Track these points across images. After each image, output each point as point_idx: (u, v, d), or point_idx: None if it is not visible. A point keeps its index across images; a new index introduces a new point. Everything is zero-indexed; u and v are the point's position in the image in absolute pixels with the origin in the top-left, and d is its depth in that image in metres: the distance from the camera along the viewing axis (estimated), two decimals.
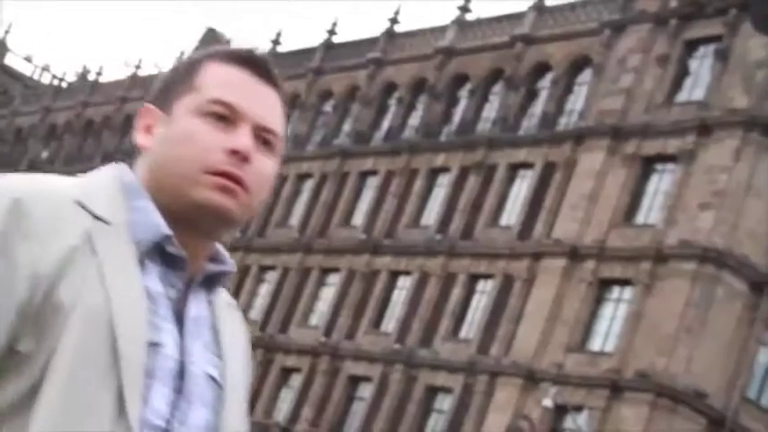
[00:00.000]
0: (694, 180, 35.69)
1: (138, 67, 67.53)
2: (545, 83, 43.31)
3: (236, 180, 1.65)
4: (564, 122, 41.39)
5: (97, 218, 1.61)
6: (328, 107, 52.43)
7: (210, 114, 1.67)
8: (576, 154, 39.62)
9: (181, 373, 1.62)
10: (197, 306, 1.69)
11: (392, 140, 47.53)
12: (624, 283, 36.04)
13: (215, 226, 1.68)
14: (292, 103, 54.65)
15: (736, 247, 34.25)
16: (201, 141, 1.66)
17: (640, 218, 37.08)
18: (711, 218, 34.60)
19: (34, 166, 68.86)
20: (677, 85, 38.30)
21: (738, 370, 33.79)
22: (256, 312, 48.52)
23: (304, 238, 48.60)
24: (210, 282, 1.72)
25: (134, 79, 66.76)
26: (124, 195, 1.66)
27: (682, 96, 38.01)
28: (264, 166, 1.69)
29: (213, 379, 1.67)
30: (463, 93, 46.30)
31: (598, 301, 36.53)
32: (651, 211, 36.77)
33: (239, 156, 1.65)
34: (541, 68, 43.54)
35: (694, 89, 37.78)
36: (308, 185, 50.55)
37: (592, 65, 41.41)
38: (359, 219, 47.21)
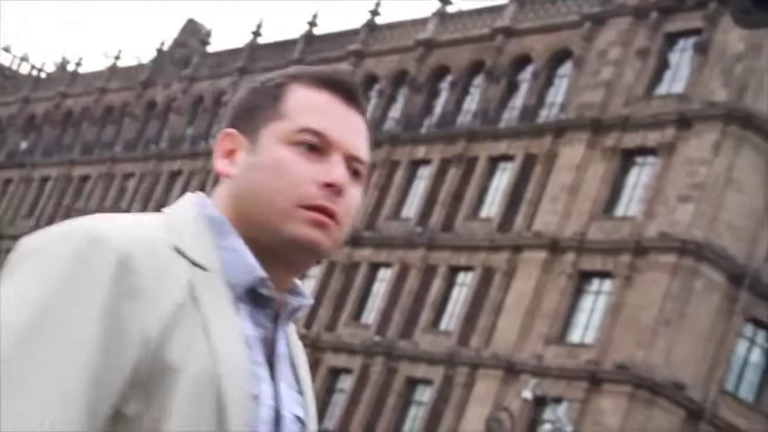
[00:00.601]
0: (674, 173, 35.84)
1: (117, 57, 67.25)
2: (525, 75, 43.38)
3: (331, 214, 1.58)
4: (544, 115, 41.48)
5: (195, 264, 1.52)
6: None
7: (301, 144, 1.58)
8: (556, 147, 39.72)
9: (276, 420, 1.54)
10: (281, 343, 1.61)
11: (373, 132, 47.42)
12: (604, 275, 36.17)
13: (306, 261, 1.60)
14: None
15: (716, 240, 34.42)
16: (294, 173, 1.57)
17: (620, 210, 37.21)
18: (691, 210, 34.76)
19: (13, 157, 68.54)
20: (657, 78, 38.43)
21: (717, 362, 33.98)
22: None
23: None
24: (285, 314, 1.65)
25: (113, 70, 66.47)
26: (212, 233, 1.56)
27: (661, 89, 38.15)
28: (354, 198, 1.62)
29: (299, 419, 1.60)
30: (444, 85, 46.32)
31: (578, 293, 36.66)
32: (631, 203, 36.91)
33: (334, 189, 1.58)
34: (522, 61, 43.61)
35: (674, 82, 37.91)
36: None
37: (572, 58, 41.49)
38: None
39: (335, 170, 1.58)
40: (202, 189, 55.36)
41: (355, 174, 1.62)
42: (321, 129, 1.59)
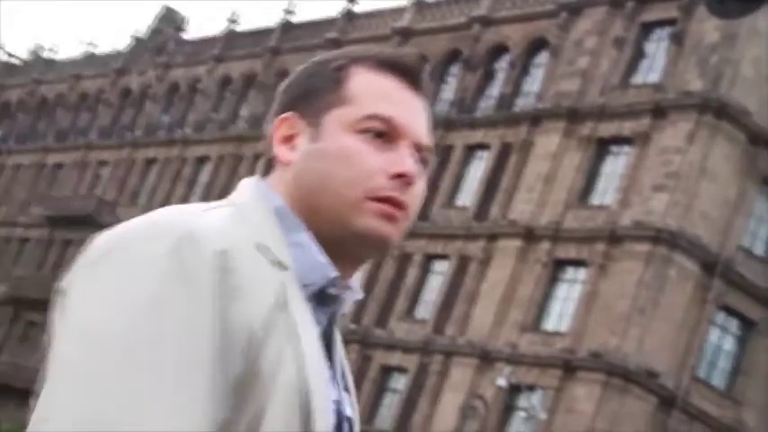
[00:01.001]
0: (649, 162, 35.99)
1: (92, 44, 66.87)
2: (502, 64, 43.43)
3: (401, 206, 1.50)
4: (521, 104, 41.55)
5: (275, 263, 1.43)
6: None
7: (368, 131, 1.50)
8: (532, 135, 39.80)
9: (339, 423, 1.48)
10: (338, 343, 1.56)
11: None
12: (578, 263, 36.31)
13: (372, 254, 1.53)
14: (249, 83, 54.40)
15: (689, 229, 34.61)
16: (363, 163, 1.49)
17: (595, 199, 37.35)
18: (665, 199, 34.92)
19: None
20: (633, 67, 38.55)
21: (689, 350, 34.20)
22: None
23: None
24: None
25: (88, 57, 66.08)
26: (281, 227, 1.48)
27: (637, 79, 38.28)
28: (422, 187, 1.54)
29: (349, 420, 1.54)
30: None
31: (553, 281, 36.79)
32: (606, 192, 37.04)
33: (405, 180, 1.50)
34: (498, 50, 43.65)
35: (650, 72, 38.05)
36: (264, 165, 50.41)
37: (548, 47, 41.57)
38: None
39: (406, 160, 1.50)
40: (178, 177, 55.19)
41: (422, 162, 1.55)
42: (389, 116, 1.51)
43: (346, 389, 1.54)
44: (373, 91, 1.52)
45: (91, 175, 60.66)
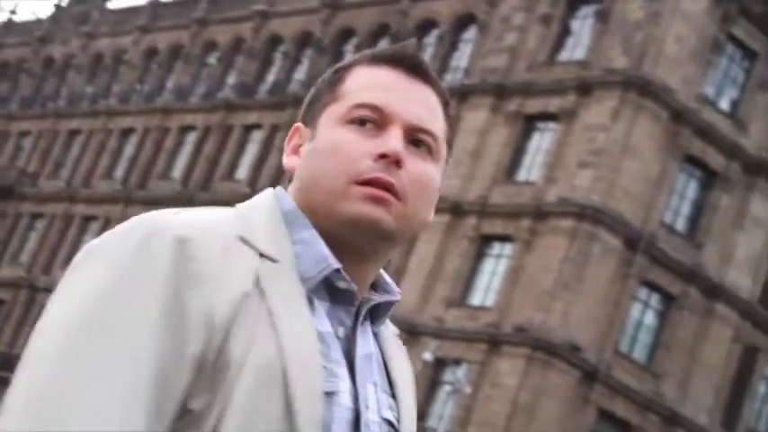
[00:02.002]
0: (574, 138, 36.38)
1: (13, 12, 65.36)
2: (431, 39, 43.49)
3: (387, 187, 1.48)
4: (449, 79, 41.65)
5: (263, 255, 1.44)
6: (212, 59, 51.73)
7: (356, 120, 1.50)
8: (460, 111, 39.94)
9: (356, 422, 1.45)
10: (365, 342, 1.52)
11: (277, 94, 47.20)
12: (505, 239, 36.66)
13: (370, 242, 1.49)
14: (175, 55, 53.74)
15: (613, 205, 35.12)
16: (348, 151, 1.48)
17: (521, 175, 37.68)
18: (589, 176, 35.36)
19: None
20: (559, 44, 38.86)
21: (612, 324, 34.80)
22: None
23: (187, 192, 48.07)
24: (376, 313, 1.55)
25: (9, 25, 64.62)
26: (287, 226, 1.49)
27: (563, 56, 38.60)
28: (422, 171, 1.51)
29: (389, 423, 1.51)
30: (349, 47, 46.16)
31: (479, 256, 37.11)
32: (532, 168, 37.39)
33: (390, 160, 1.48)
34: (427, 25, 43.69)
35: (575, 49, 38.40)
36: (191, 138, 49.93)
37: (477, 22, 41.71)
38: (243, 173, 46.88)
39: (390, 140, 1.49)
40: (102, 149, 54.41)
41: (422, 146, 1.52)
42: (377, 102, 1.51)
43: (394, 395, 1.53)
44: (365, 83, 1.53)
45: (12, 146, 59.54)
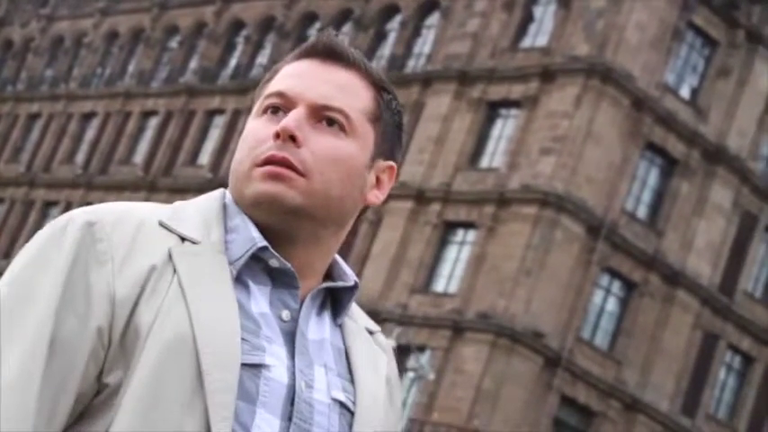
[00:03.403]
0: (536, 125, 36.53)
1: None
2: (394, 25, 43.43)
3: (281, 162, 1.52)
4: (412, 65, 41.66)
5: (184, 239, 1.51)
6: (174, 43, 51.33)
7: (268, 109, 1.57)
8: (423, 97, 39.98)
9: (291, 398, 1.49)
10: (319, 329, 1.56)
11: (240, 79, 46.97)
12: (468, 225, 36.80)
13: (280, 219, 1.53)
14: (137, 38, 53.29)
15: (575, 192, 35.33)
16: (253, 137, 1.55)
17: (485, 162, 37.80)
18: (552, 163, 35.53)
19: None
20: (522, 31, 38.94)
21: (574, 311, 35.08)
22: None
23: (149, 177, 47.79)
24: (336, 303, 1.60)
25: None
26: (225, 217, 1.56)
27: (526, 42, 38.69)
28: (326, 145, 1.53)
29: (342, 405, 1.54)
30: (311, 32, 45.98)
31: (442, 243, 37.23)
32: (495, 155, 37.51)
33: (282, 137, 1.52)
34: (390, 10, 43.61)
35: (538, 36, 38.50)
36: (153, 123, 49.57)
37: (440, 8, 41.69)
38: (205, 158, 46.65)
39: (283, 120, 1.54)
40: (63, 133, 53.89)
41: (334, 124, 1.55)
42: (282, 88, 1.56)
43: (352, 381, 1.56)
44: (282, 75, 1.58)
45: None
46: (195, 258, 1.49)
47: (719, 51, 38.50)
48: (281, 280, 1.53)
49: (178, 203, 1.58)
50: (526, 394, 33.99)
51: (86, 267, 1.46)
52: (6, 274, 1.49)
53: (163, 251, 1.49)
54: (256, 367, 1.47)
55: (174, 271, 1.48)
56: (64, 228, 1.49)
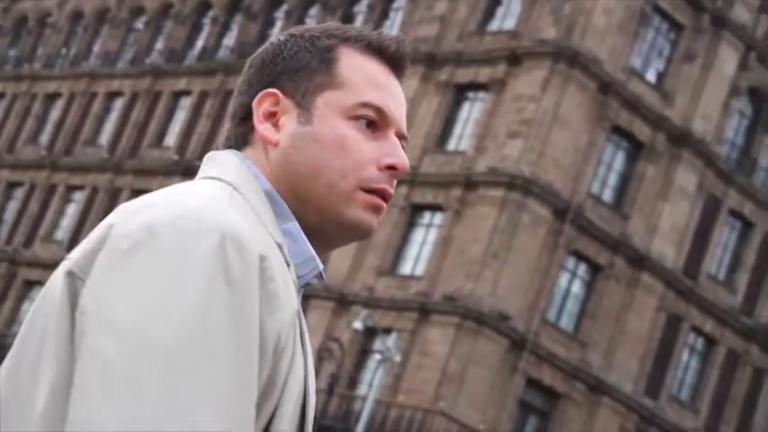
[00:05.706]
0: (504, 108, 36.62)
1: None
2: (361, 7, 43.33)
3: (388, 199, 1.50)
4: None
5: (287, 262, 1.41)
6: (140, 24, 50.92)
7: (361, 118, 1.49)
8: None
9: (304, 398, 1.45)
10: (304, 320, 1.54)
11: (206, 60, 46.69)
12: (435, 208, 36.87)
13: (351, 242, 1.52)
14: (102, 18, 52.81)
15: (542, 175, 35.47)
16: (357, 152, 1.47)
17: (452, 145, 37.86)
18: (519, 146, 35.65)
19: None
20: (489, 13, 38.97)
21: (540, 293, 35.26)
22: (63, 232, 47.34)
23: (114, 158, 47.47)
24: None
25: None
26: (274, 214, 1.45)
27: (493, 25, 38.73)
28: None
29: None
30: (279, 14, 45.81)
31: (409, 225, 37.28)
32: (462, 138, 37.59)
33: (396, 173, 1.50)
34: None
35: (506, 19, 38.54)
36: (119, 104, 49.20)
37: None
38: (171, 139, 46.39)
39: (398, 152, 1.51)
40: (27, 114, 53.34)
41: None
42: (380, 104, 1.50)
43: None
44: (365, 76, 1.50)
45: None
46: (295, 287, 1.41)
47: (685, 35, 38.72)
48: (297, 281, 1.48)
49: (252, 204, 1.41)
50: (492, 376, 34.17)
51: (264, 312, 1.32)
52: (159, 310, 1.27)
53: (294, 288, 1.39)
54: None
55: (300, 311, 1.41)
56: (226, 254, 1.30)
